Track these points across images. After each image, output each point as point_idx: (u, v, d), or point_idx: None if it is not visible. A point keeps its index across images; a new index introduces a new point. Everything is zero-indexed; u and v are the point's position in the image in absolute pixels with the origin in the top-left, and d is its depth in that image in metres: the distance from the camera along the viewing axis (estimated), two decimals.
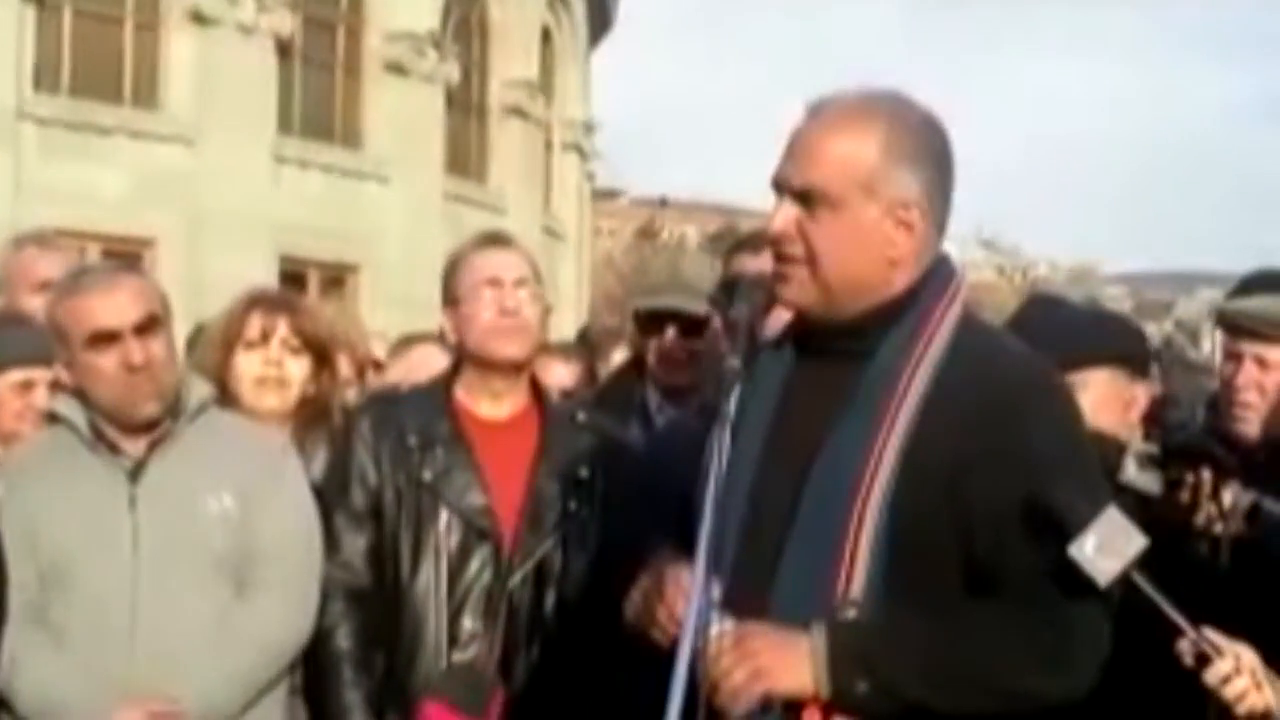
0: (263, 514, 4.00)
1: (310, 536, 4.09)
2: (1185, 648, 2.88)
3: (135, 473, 3.95)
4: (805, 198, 2.88)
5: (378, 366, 5.96)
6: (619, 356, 6.35)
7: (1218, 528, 3.64)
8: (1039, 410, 2.81)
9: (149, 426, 3.97)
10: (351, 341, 5.38)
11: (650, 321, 5.24)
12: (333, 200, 25.04)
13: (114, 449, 3.97)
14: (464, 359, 4.31)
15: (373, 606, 4.11)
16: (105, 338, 3.88)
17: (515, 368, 4.27)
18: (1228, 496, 3.69)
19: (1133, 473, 3.91)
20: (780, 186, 2.92)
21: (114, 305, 3.91)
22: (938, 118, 2.97)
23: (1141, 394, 4.15)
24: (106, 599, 3.86)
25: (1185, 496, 3.67)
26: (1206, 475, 3.69)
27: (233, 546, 3.96)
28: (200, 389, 4.12)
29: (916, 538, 2.73)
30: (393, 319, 14.41)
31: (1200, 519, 3.65)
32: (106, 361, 3.89)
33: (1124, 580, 2.70)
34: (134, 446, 3.98)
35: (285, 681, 4.06)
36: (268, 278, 19.87)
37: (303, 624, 4.03)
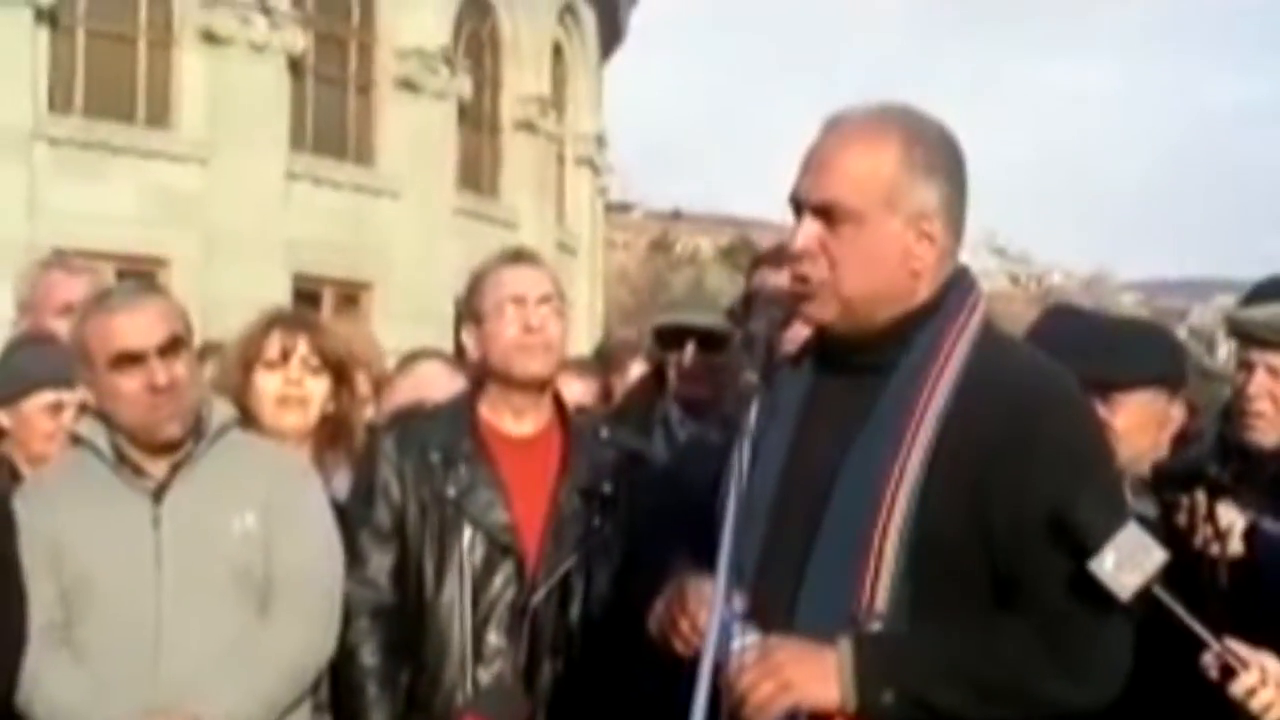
0: (285, 534, 4.01)
1: (332, 556, 4.09)
2: (1210, 660, 2.88)
3: (158, 494, 3.96)
4: (827, 213, 2.88)
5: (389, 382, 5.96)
6: (636, 370, 6.33)
7: (1214, 549, 3.62)
8: (1058, 424, 2.81)
9: (171, 447, 3.98)
10: (368, 359, 5.39)
11: (670, 337, 5.23)
12: (346, 217, 25.09)
13: (137, 470, 3.98)
14: (487, 376, 4.31)
15: (398, 623, 4.13)
16: (129, 359, 3.89)
17: (539, 384, 4.28)
18: (1224, 517, 3.66)
19: (1128, 499, 3.88)
20: (799, 203, 2.93)
21: (138, 326, 3.92)
22: (950, 130, 2.98)
23: (1177, 412, 4.13)
24: (130, 619, 3.88)
25: (1182, 519, 3.64)
26: (1200, 497, 3.66)
27: (255, 566, 3.96)
28: (222, 410, 4.13)
29: (940, 550, 2.73)
30: (406, 335, 14.41)
31: (1198, 541, 3.62)
32: (130, 382, 3.90)
33: (1146, 594, 2.70)
34: (156, 467, 3.99)
35: (308, 700, 4.06)
36: (282, 296, 19.92)
37: (325, 643, 4.03)
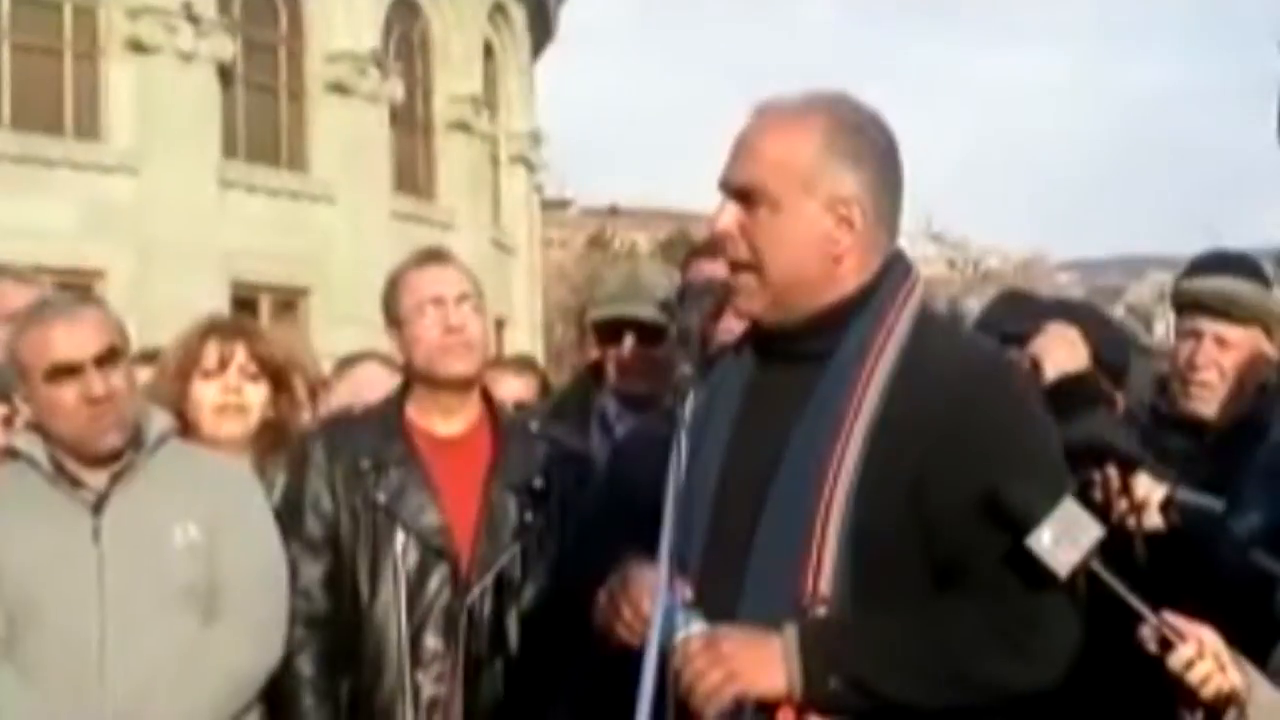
0: (228, 544, 3.99)
1: (276, 564, 4.08)
2: (1147, 634, 2.89)
3: (98, 505, 3.93)
4: (745, 196, 2.90)
5: (326, 387, 5.93)
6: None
7: (1131, 522, 3.63)
8: (995, 403, 2.82)
9: (110, 459, 3.96)
10: (303, 364, 5.37)
11: (608, 330, 5.18)
12: (281, 223, 25.02)
13: (75, 482, 3.95)
14: (413, 378, 4.32)
15: (333, 632, 4.12)
16: (65, 370, 3.86)
17: (465, 384, 4.29)
18: (1139, 490, 3.68)
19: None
20: (724, 187, 2.95)
21: (74, 338, 3.89)
22: (881, 118, 2.98)
23: (1120, 398, 4.16)
24: (74, 632, 3.84)
25: (1098, 495, 3.65)
26: (1112, 471, 3.67)
27: (199, 576, 3.94)
28: (160, 420, 4.10)
29: (883, 534, 2.73)
30: (346, 339, 14.37)
31: (1115, 516, 3.63)
32: (67, 394, 3.87)
33: (1084, 570, 2.72)
34: (96, 479, 3.95)
35: (256, 708, 4.04)
36: (219, 304, 19.82)
37: (271, 652, 4.02)
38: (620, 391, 5.07)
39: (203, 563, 3.95)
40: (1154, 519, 3.67)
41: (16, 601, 3.88)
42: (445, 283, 4.29)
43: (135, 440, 4.00)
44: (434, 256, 4.44)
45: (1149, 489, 3.69)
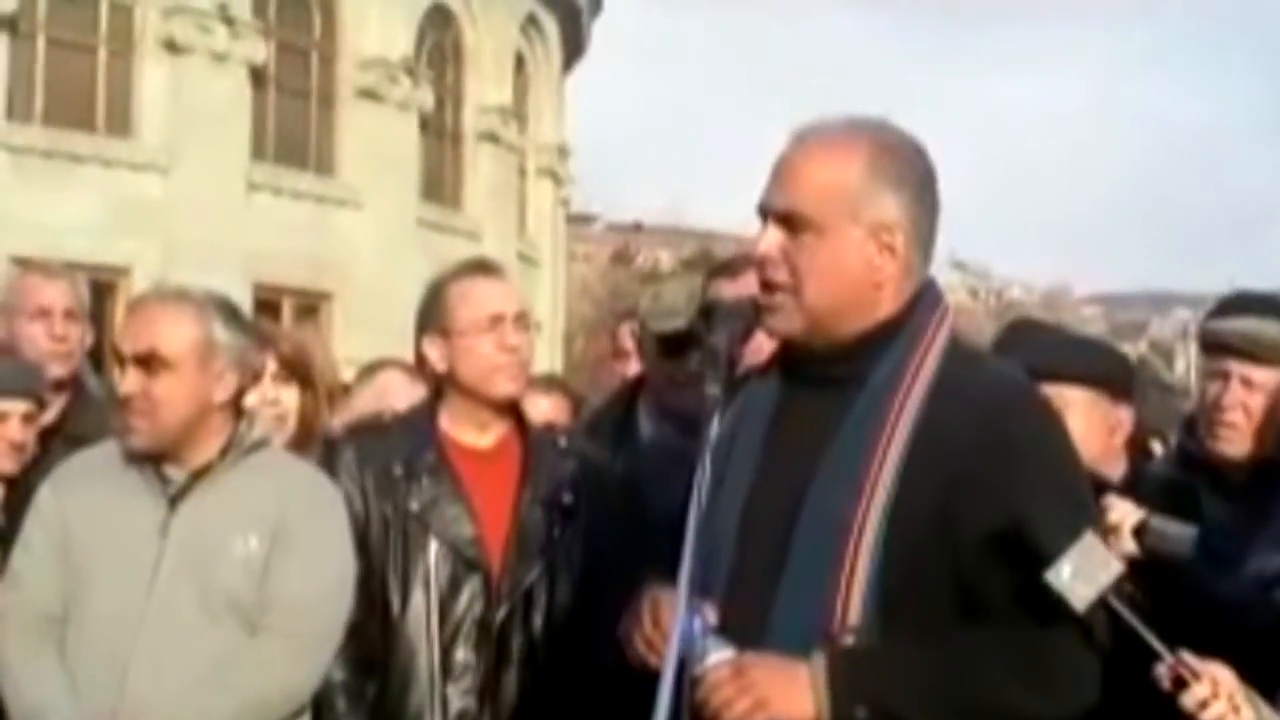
0: (292, 562, 3.87)
1: (341, 587, 3.97)
2: (1162, 672, 2.89)
3: (175, 500, 3.88)
4: (789, 221, 2.89)
5: (346, 392, 5.92)
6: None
7: None
8: (1024, 436, 2.82)
9: (184, 458, 3.91)
10: (320, 368, 5.36)
11: (675, 343, 5.11)
12: (307, 227, 25.07)
13: (159, 473, 3.91)
14: (452, 388, 4.24)
15: (363, 637, 4.04)
16: (121, 359, 3.85)
17: (509, 402, 4.24)
18: (1112, 514, 3.68)
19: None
20: (765, 211, 2.94)
21: (128, 329, 3.88)
22: (921, 144, 2.98)
23: (1126, 418, 4.14)
24: (116, 618, 3.80)
25: None
26: None
27: (248, 591, 3.84)
28: (258, 428, 4.03)
29: (912, 563, 2.73)
30: (367, 345, 14.38)
31: None
32: (119, 384, 3.87)
33: (1102, 606, 2.71)
34: (178, 473, 3.91)
35: None
36: (242, 305, 19.79)
37: (309, 674, 3.91)
38: (666, 406, 5.00)
39: (256, 578, 3.85)
40: (1127, 544, 3.67)
41: (78, 575, 3.86)
42: (505, 300, 4.23)
43: (225, 446, 3.94)
44: (487, 269, 4.36)
45: (1122, 514, 3.71)
